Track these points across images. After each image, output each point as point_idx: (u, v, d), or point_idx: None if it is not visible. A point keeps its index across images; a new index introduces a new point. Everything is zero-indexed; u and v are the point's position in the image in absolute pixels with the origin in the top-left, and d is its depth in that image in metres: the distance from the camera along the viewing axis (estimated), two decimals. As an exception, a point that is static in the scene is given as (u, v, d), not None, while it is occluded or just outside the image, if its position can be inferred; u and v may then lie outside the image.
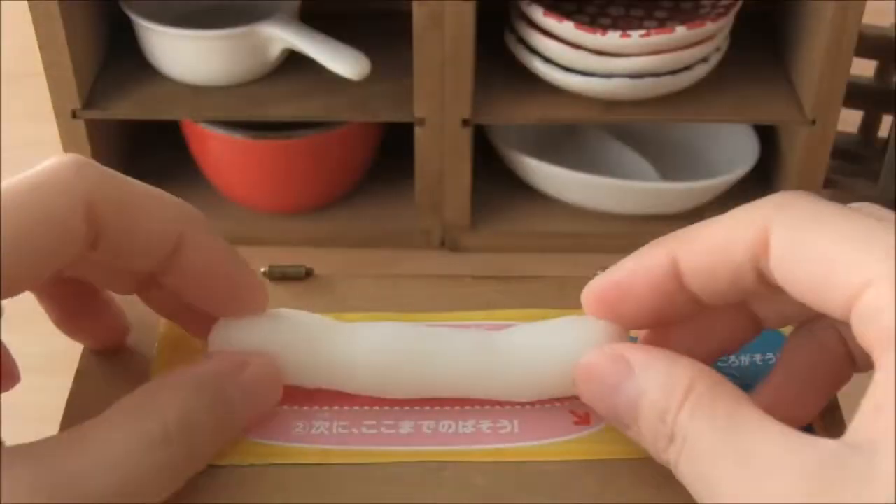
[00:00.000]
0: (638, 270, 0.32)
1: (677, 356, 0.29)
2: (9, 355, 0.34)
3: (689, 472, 0.27)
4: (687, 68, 0.56)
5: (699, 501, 0.26)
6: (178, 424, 0.30)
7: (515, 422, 0.37)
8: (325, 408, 0.37)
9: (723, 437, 0.26)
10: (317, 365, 0.36)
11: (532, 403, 0.38)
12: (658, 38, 0.53)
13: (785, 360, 0.33)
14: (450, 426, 0.37)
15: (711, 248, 0.30)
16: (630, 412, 0.29)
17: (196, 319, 0.36)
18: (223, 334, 0.35)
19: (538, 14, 0.55)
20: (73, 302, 0.35)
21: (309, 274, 0.43)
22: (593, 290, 0.33)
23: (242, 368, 0.33)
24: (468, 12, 0.52)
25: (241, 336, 0.35)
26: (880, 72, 0.58)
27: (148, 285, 0.35)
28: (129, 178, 0.32)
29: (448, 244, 0.61)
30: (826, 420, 0.35)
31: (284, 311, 0.37)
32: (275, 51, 0.57)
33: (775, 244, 0.27)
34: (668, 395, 0.27)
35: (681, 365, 0.28)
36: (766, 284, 0.29)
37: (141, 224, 0.31)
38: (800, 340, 0.32)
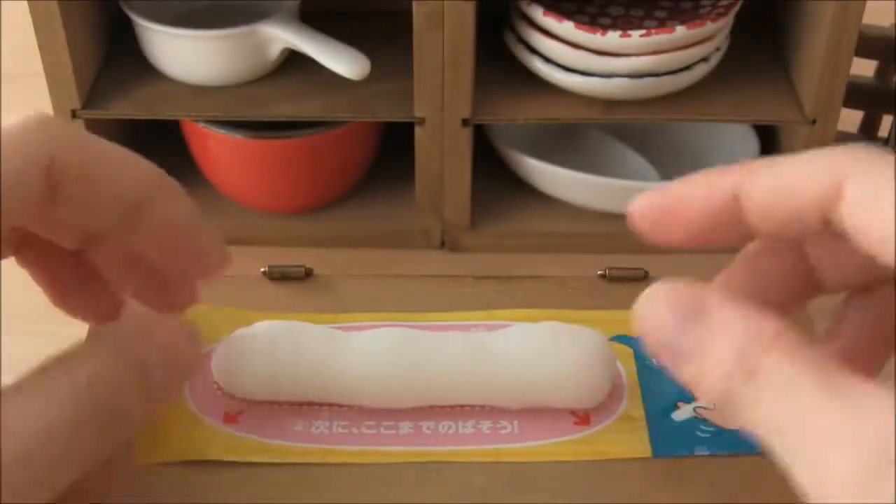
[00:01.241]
0: (696, 196, 0.30)
1: (758, 309, 0.27)
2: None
3: (772, 408, 0.25)
4: (687, 68, 0.56)
5: (776, 441, 0.25)
6: (93, 386, 0.29)
7: (515, 422, 0.37)
8: (325, 407, 0.37)
9: (816, 377, 0.25)
10: (312, 386, 0.36)
11: (532, 403, 0.38)
12: (658, 38, 0.53)
13: (848, 326, 0.33)
14: (450, 426, 0.37)
15: (780, 185, 0.29)
16: (699, 346, 0.27)
17: (144, 281, 0.35)
18: (223, 357, 0.35)
19: (538, 14, 0.55)
20: (68, 278, 0.35)
21: (309, 274, 0.43)
22: (643, 209, 0.31)
23: (155, 330, 0.32)
24: (468, 12, 0.52)
25: (240, 361, 0.35)
26: (880, 72, 0.58)
27: (98, 241, 0.34)
28: (99, 139, 0.32)
29: (448, 244, 0.61)
30: None
31: (280, 326, 0.37)
32: (275, 51, 0.57)
33: (851, 191, 0.27)
34: (752, 337, 0.26)
35: (765, 315, 0.27)
36: (829, 232, 0.28)
37: (103, 186, 0.31)
38: (863, 303, 0.32)
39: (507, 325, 0.42)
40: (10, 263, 0.34)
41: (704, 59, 0.57)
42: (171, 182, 0.34)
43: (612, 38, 0.54)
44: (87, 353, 0.30)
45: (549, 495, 0.35)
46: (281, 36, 0.56)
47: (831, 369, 0.24)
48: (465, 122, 0.56)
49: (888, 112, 0.59)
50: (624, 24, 0.58)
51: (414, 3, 0.52)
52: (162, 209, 0.32)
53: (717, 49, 0.57)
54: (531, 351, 0.39)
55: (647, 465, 0.37)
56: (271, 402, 0.37)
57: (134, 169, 0.32)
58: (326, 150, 0.58)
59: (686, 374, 0.27)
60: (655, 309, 0.28)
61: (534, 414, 0.39)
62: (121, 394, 0.30)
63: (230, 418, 0.36)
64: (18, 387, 0.29)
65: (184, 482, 0.33)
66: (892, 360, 0.32)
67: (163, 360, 0.32)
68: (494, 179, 0.62)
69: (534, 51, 0.57)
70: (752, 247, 0.32)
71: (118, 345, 0.31)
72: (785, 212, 0.28)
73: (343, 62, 0.55)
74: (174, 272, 0.34)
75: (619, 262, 0.56)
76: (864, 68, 0.58)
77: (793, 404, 0.25)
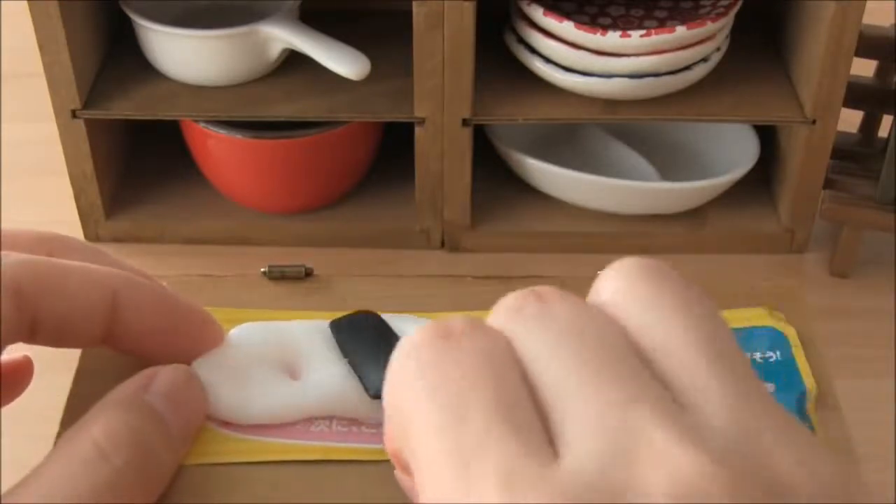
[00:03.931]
0: None
1: None
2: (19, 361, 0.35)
3: None
4: (687, 68, 0.56)
5: None
6: (110, 439, 0.30)
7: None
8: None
9: None
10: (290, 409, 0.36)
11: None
12: (658, 38, 0.53)
13: None
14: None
15: None
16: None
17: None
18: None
19: (538, 14, 0.55)
20: None
21: (309, 274, 0.43)
22: None
23: (153, 378, 0.33)
24: (468, 12, 0.52)
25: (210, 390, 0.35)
26: (880, 72, 0.58)
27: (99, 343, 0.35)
28: (51, 259, 0.32)
29: (448, 244, 0.61)
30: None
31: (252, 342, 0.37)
32: (275, 51, 0.57)
33: None
34: None
35: None
36: None
37: (72, 301, 0.32)
38: None
39: None
40: None
41: (704, 59, 0.57)
42: (137, 278, 0.34)
43: (612, 38, 0.54)
44: (101, 414, 0.31)
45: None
46: (281, 36, 0.56)
47: None
48: (465, 122, 0.56)
49: (888, 112, 0.59)
50: (624, 24, 0.58)
51: (414, 3, 0.52)
52: (129, 300, 0.33)
53: (717, 49, 0.57)
54: None
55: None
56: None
57: (97, 273, 0.33)
58: (326, 150, 0.58)
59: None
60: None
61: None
62: (143, 445, 0.30)
63: (228, 423, 0.36)
64: (44, 462, 0.29)
65: (183, 482, 0.33)
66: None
67: (171, 406, 0.32)
68: (494, 179, 0.62)
69: (534, 51, 0.57)
70: None
71: (127, 399, 0.31)
72: None
73: (343, 62, 0.55)
74: (164, 356, 0.35)
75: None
76: (864, 68, 0.58)
77: None
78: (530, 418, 0.22)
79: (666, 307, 0.24)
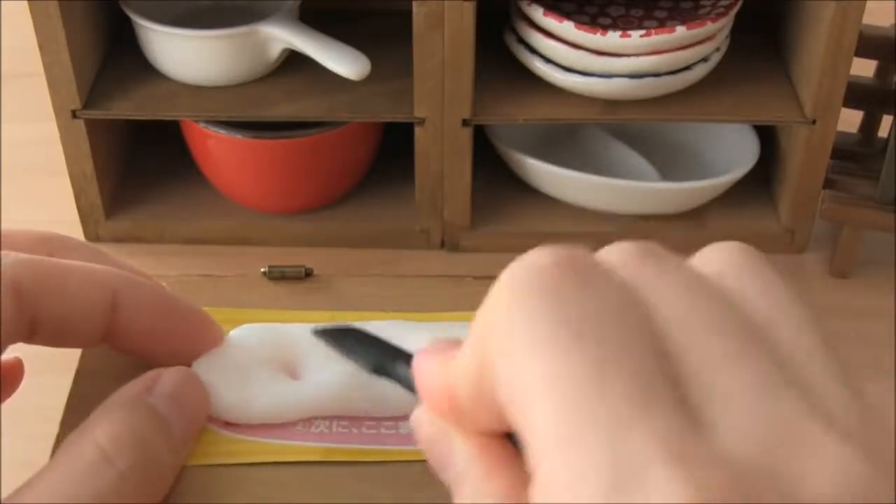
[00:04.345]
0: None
1: (497, 463, 0.24)
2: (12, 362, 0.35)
3: None
4: (687, 68, 0.56)
5: None
6: (113, 443, 0.30)
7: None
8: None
9: None
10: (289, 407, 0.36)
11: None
12: (658, 38, 0.53)
13: None
14: (450, 426, 0.37)
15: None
16: (455, 488, 0.26)
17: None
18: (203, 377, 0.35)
19: (538, 14, 0.55)
20: None
21: (309, 274, 0.43)
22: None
23: (156, 380, 0.33)
24: (468, 12, 0.52)
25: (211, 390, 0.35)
26: (880, 72, 0.58)
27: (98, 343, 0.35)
28: (50, 259, 0.32)
29: (448, 244, 0.61)
30: None
31: (251, 342, 0.37)
32: (275, 51, 0.57)
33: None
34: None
35: (499, 491, 0.23)
36: None
37: (72, 301, 0.32)
38: None
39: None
40: None
41: (704, 59, 0.57)
42: (137, 277, 0.34)
43: (612, 38, 0.54)
44: (105, 417, 0.31)
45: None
46: (281, 36, 0.56)
47: None
48: (465, 122, 0.56)
49: (888, 112, 0.59)
50: (624, 24, 0.58)
51: (414, 3, 0.52)
52: (129, 300, 0.33)
53: (717, 49, 0.57)
54: None
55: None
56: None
57: (96, 273, 0.33)
58: (326, 150, 0.58)
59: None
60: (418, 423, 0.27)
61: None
62: (147, 448, 0.30)
63: (230, 423, 0.36)
64: (47, 466, 0.29)
65: (185, 483, 0.33)
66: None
67: (174, 408, 0.32)
68: (494, 179, 0.62)
69: (534, 51, 0.57)
70: None
71: (130, 402, 0.32)
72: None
73: (343, 62, 0.55)
74: (163, 356, 0.35)
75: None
76: (864, 68, 0.58)
77: None
78: (670, 385, 0.20)
79: (774, 290, 0.22)
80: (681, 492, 0.17)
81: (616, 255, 0.23)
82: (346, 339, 0.35)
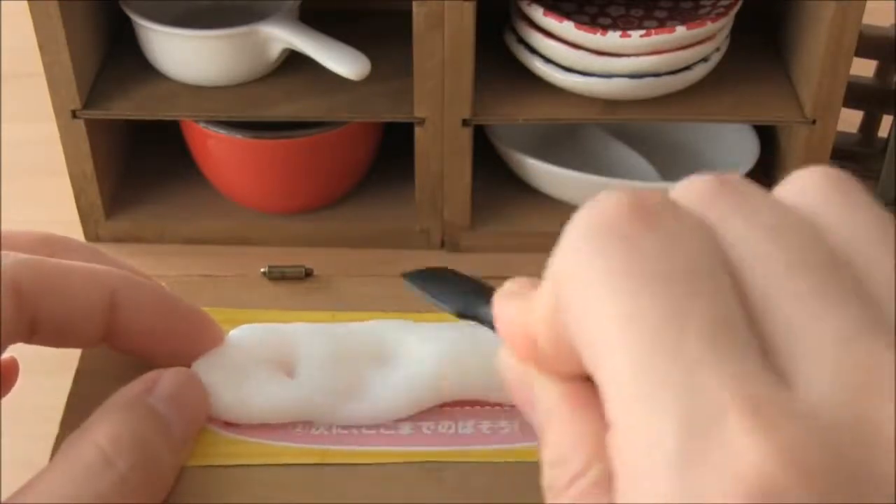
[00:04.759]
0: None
1: (579, 406, 0.24)
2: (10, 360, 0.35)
3: None
4: (687, 68, 0.56)
5: None
6: (114, 444, 0.30)
7: (515, 422, 0.37)
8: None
9: None
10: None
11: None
12: (658, 38, 0.53)
13: None
14: (449, 426, 0.37)
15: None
16: (539, 432, 0.25)
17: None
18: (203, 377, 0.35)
19: (538, 14, 0.55)
20: None
21: (309, 274, 0.43)
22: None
23: (156, 381, 0.33)
24: (468, 12, 0.52)
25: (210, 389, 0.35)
26: (880, 72, 0.58)
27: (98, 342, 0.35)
28: (51, 259, 0.32)
29: (448, 244, 0.61)
30: None
31: (251, 342, 0.37)
32: (275, 51, 0.57)
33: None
34: (557, 465, 0.23)
35: (583, 435, 0.23)
36: None
37: (72, 301, 0.32)
38: None
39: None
40: None
41: (704, 59, 0.57)
42: (137, 278, 0.34)
43: (612, 38, 0.54)
44: (105, 418, 0.31)
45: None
46: (281, 36, 0.56)
47: None
48: (465, 122, 0.56)
49: (888, 112, 0.59)
50: (624, 24, 0.58)
51: (414, 3, 0.52)
52: (129, 300, 0.33)
53: (717, 49, 0.57)
54: None
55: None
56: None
57: (96, 273, 0.33)
58: (326, 150, 0.58)
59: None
60: (503, 368, 0.26)
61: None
62: (147, 449, 0.30)
63: (230, 424, 0.36)
64: (47, 468, 0.29)
65: (184, 483, 0.33)
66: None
67: (174, 409, 0.32)
68: (494, 179, 0.62)
69: (534, 51, 0.57)
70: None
71: (130, 403, 0.32)
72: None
73: (343, 62, 0.55)
74: (163, 356, 0.35)
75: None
76: (864, 68, 0.58)
77: None
78: (749, 330, 0.19)
79: (866, 219, 0.21)
80: (760, 446, 0.17)
81: (691, 191, 0.22)
82: (433, 283, 0.34)
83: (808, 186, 0.22)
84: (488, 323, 0.29)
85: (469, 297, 0.32)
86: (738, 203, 0.21)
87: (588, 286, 0.20)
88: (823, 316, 0.19)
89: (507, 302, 0.25)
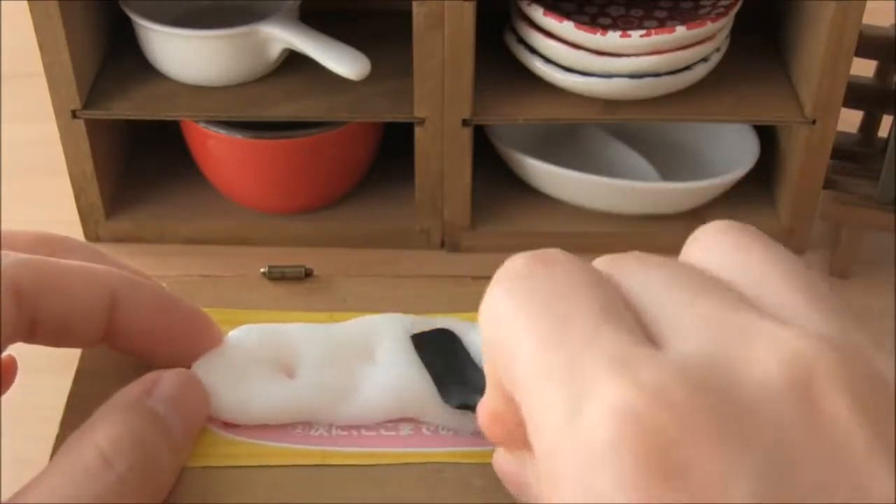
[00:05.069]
0: None
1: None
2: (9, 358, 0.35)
3: None
4: (687, 68, 0.56)
5: None
6: (113, 446, 0.30)
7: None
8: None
9: None
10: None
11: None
12: (658, 38, 0.53)
13: None
14: (449, 428, 0.37)
15: None
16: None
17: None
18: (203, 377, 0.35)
19: (538, 14, 0.55)
20: None
21: (308, 274, 0.43)
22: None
23: (156, 382, 0.33)
24: (468, 12, 0.52)
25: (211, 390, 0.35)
26: (880, 72, 0.58)
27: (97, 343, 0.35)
28: (50, 259, 0.32)
29: (448, 244, 0.61)
30: None
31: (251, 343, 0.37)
32: (275, 51, 0.57)
33: None
34: None
35: None
36: None
37: (72, 301, 0.32)
38: None
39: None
40: None
41: (704, 59, 0.57)
42: (136, 277, 0.34)
43: (612, 38, 0.54)
44: (105, 420, 0.31)
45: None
46: (281, 36, 0.56)
47: None
48: (465, 122, 0.56)
49: (888, 112, 0.59)
50: (624, 24, 0.58)
51: (414, 3, 0.52)
52: (129, 300, 0.33)
53: (717, 49, 0.57)
54: None
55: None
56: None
57: (96, 273, 0.33)
58: (326, 150, 0.58)
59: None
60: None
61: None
62: (147, 451, 0.30)
63: (229, 425, 0.36)
64: (47, 469, 0.29)
65: (183, 484, 0.33)
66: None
67: (174, 410, 0.32)
68: (494, 179, 0.62)
69: (534, 51, 0.57)
70: None
71: (130, 404, 0.32)
72: None
73: (343, 62, 0.55)
74: (163, 357, 0.35)
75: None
76: (864, 68, 0.58)
77: None
78: (633, 320, 0.21)
79: (756, 251, 0.23)
80: (623, 391, 0.19)
81: (599, 259, 0.25)
82: (438, 361, 0.36)
83: (696, 244, 0.24)
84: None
85: (469, 387, 0.34)
86: (634, 259, 0.24)
87: (502, 323, 0.23)
88: (697, 302, 0.21)
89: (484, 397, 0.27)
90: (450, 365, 0.36)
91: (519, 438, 0.25)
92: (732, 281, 0.22)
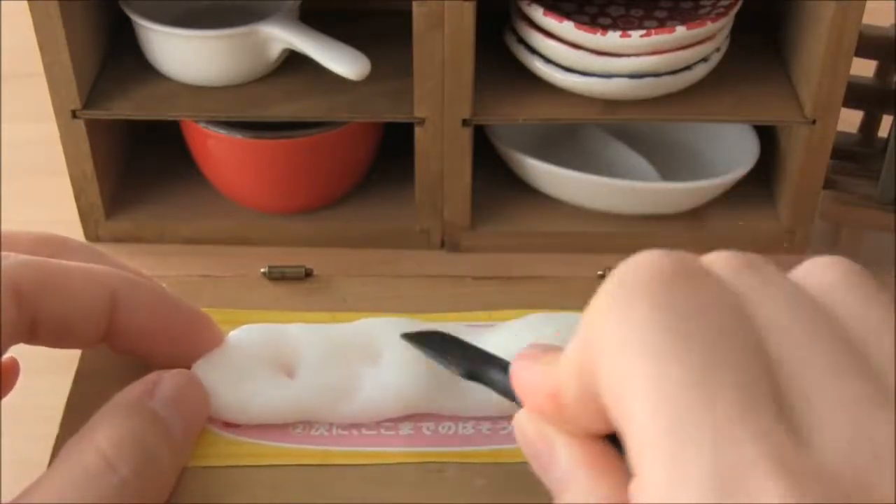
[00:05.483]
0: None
1: (601, 466, 0.25)
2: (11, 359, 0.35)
3: None
4: (687, 68, 0.56)
5: None
6: (115, 449, 0.30)
7: (515, 422, 0.37)
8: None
9: None
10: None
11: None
12: (658, 38, 0.53)
13: None
14: (450, 427, 0.37)
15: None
16: (558, 489, 0.26)
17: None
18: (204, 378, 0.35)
19: (538, 14, 0.55)
20: None
21: (309, 274, 0.43)
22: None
23: (157, 384, 0.33)
24: (468, 12, 0.52)
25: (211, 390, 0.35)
26: (880, 72, 0.58)
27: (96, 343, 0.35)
28: (51, 260, 0.32)
29: (448, 244, 0.61)
30: None
31: (253, 343, 0.37)
32: (275, 51, 0.57)
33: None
34: None
35: (606, 497, 0.24)
36: None
37: (72, 301, 0.32)
38: None
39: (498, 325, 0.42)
40: None
41: (704, 59, 0.57)
42: (136, 278, 0.34)
43: (612, 38, 0.54)
44: (107, 422, 0.31)
45: (548, 496, 0.35)
46: (281, 36, 0.56)
47: None
48: (465, 122, 0.56)
49: (888, 112, 0.59)
50: (624, 24, 0.58)
51: (414, 3, 0.52)
52: (129, 301, 0.33)
53: (717, 49, 0.57)
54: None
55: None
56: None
57: (97, 273, 0.33)
58: (326, 150, 0.58)
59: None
60: (523, 446, 0.27)
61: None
62: (148, 453, 0.30)
63: (230, 425, 0.36)
64: (49, 471, 0.29)
65: (184, 484, 0.33)
66: None
67: (175, 412, 0.32)
68: (494, 179, 0.62)
69: (534, 51, 0.57)
70: None
71: (131, 406, 0.32)
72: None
73: (343, 62, 0.55)
74: (163, 357, 0.35)
75: (619, 263, 0.56)
76: (864, 68, 0.58)
77: None
78: (772, 393, 0.20)
79: (874, 300, 0.22)
80: (787, 498, 0.18)
81: (719, 262, 0.23)
82: (435, 344, 0.36)
83: (824, 273, 0.23)
84: (498, 386, 0.30)
85: (476, 361, 0.33)
86: (765, 279, 0.22)
87: (622, 345, 0.21)
88: (836, 385, 0.20)
89: (527, 364, 0.26)
90: (446, 347, 0.36)
91: (563, 423, 0.25)
92: (858, 333, 0.22)
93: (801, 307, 0.22)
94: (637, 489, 0.20)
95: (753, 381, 0.20)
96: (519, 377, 0.27)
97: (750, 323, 0.21)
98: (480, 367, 0.33)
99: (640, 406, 0.20)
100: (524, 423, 0.27)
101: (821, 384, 0.20)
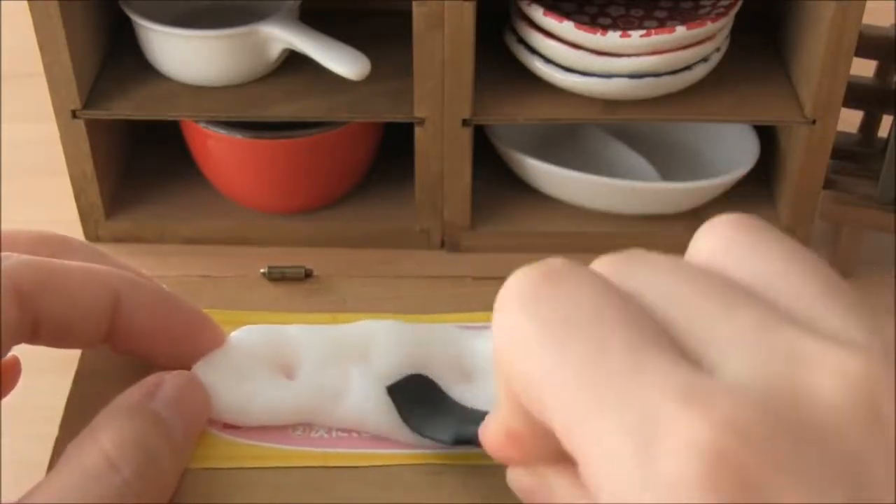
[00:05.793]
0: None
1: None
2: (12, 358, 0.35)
3: None
4: (687, 68, 0.56)
5: None
6: (118, 450, 0.30)
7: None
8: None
9: None
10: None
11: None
12: (658, 38, 0.53)
13: None
14: (450, 427, 0.37)
15: None
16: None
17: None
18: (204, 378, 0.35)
19: (538, 14, 0.55)
20: None
21: (308, 274, 0.43)
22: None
23: (159, 385, 0.33)
24: (468, 12, 0.52)
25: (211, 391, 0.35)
26: (880, 72, 0.58)
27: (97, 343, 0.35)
28: (51, 260, 0.32)
29: (448, 244, 0.61)
30: None
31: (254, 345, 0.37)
32: (275, 51, 0.57)
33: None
34: None
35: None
36: None
37: (73, 301, 0.32)
38: None
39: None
40: None
41: (704, 59, 0.57)
42: (137, 278, 0.34)
43: (612, 38, 0.54)
44: (109, 424, 0.31)
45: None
46: (281, 36, 0.56)
47: None
48: (465, 122, 0.56)
49: (888, 112, 0.59)
50: (624, 24, 0.58)
51: (414, 3, 0.52)
52: (130, 301, 0.33)
53: (717, 49, 0.57)
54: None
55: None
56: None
57: (97, 273, 0.33)
58: (326, 150, 0.58)
59: None
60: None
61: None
62: (151, 454, 0.30)
63: (229, 427, 0.36)
64: (52, 473, 0.29)
65: (184, 486, 0.33)
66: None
67: (176, 413, 0.32)
68: (494, 179, 0.62)
69: (534, 51, 0.57)
70: None
71: (133, 407, 0.32)
72: None
73: (343, 62, 0.55)
74: (164, 357, 0.35)
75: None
76: (864, 68, 0.58)
77: None
78: (669, 344, 0.20)
79: (773, 250, 0.22)
80: (697, 422, 0.18)
81: (599, 262, 0.24)
82: (417, 409, 0.36)
83: (711, 240, 0.23)
84: (477, 444, 0.30)
85: (461, 425, 0.33)
86: (644, 261, 0.23)
87: (515, 353, 0.22)
88: (731, 315, 0.20)
89: (487, 420, 0.27)
90: (432, 406, 0.36)
91: (536, 454, 0.25)
92: (753, 285, 0.22)
93: (684, 274, 0.22)
94: (583, 475, 0.20)
95: (647, 337, 0.20)
96: (483, 435, 0.27)
97: (632, 298, 0.22)
98: (464, 432, 0.33)
99: (549, 399, 0.21)
100: (516, 480, 0.27)
101: (715, 322, 0.20)
